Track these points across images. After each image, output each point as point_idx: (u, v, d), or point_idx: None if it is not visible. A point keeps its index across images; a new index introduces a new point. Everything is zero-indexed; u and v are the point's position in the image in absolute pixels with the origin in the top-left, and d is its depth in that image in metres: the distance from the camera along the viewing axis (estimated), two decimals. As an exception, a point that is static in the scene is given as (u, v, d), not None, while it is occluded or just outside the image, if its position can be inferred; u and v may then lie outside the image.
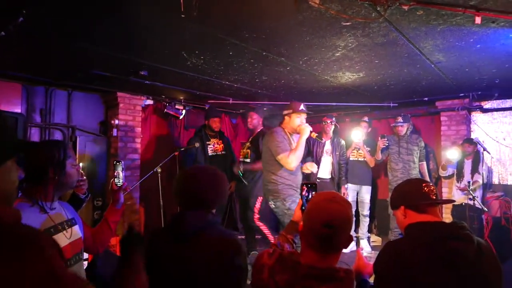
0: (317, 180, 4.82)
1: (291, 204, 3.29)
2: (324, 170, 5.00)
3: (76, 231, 1.72)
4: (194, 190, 1.55)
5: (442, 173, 4.73)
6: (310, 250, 1.24)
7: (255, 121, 4.57)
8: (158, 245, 1.52)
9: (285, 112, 3.45)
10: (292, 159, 3.22)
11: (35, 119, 4.26)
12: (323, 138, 4.90)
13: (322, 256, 1.23)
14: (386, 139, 4.83)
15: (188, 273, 1.40)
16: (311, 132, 3.29)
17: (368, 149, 5.14)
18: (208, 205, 1.56)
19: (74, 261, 1.66)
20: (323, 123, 5.07)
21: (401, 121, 4.82)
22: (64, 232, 1.63)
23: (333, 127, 5.06)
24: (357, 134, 4.92)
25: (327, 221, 1.19)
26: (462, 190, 4.35)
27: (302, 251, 1.27)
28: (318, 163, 4.88)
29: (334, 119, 5.07)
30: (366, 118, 5.33)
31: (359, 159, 5.20)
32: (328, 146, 5.04)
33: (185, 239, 1.44)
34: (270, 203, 3.42)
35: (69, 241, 1.64)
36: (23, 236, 0.78)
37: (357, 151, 5.20)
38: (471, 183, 3.95)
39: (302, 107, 3.39)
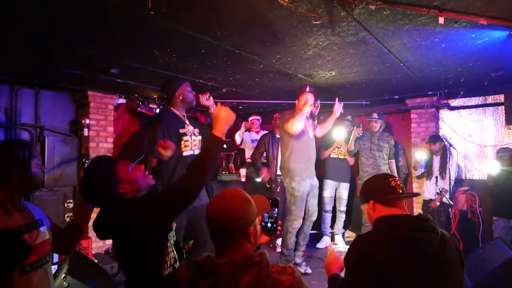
0: (278, 180, 4.91)
1: (296, 185, 3.80)
2: None
3: (44, 233, 1.68)
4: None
5: (415, 173, 4.92)
6: (218, 248, 1.28)
7: None
8: None
9: (296, 97, 4.01)
10: (292, 123, 3.74)
11: (0, 119, 4.08)
12: (276, 135, 5.06)
13: (228, 251, 1.25)
14: (361, 128, 4.92)
15: None
16: (311, 104, 3.84)
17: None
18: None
19: (41, 263, 1.62)
20: (276, 120, 5.14)
21: (376, 117, 4.94)
22: (29, 234, 1.59)
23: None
24: (339, 132, 4.97)
25: (213, 216, 1.26)
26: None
27: (215, 252, 1.29)
28: (276, 161, 4.99)
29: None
30: (349, 117, 5.39)
31: (339, 156, 5.31)
32: None
33: None
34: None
35: (36, 243, 1.60)
36: None
37: (338, 149, 5.30)
38: (438, 178, 4.09)
39: (307, 89, 3.93)
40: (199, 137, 3.01)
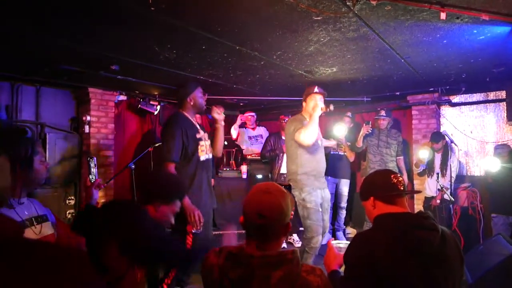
0: (282, 178, 4.89)
1: (307, 195, 3.34)
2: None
3: (47, 228, 1.69)
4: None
5: (416, 170, 4.92)
6: (253, 241, 1.29)
7: None
8: None
9: (303, 98, 3.51)
10: (304, 134, 3.23)
11: (1, 116, 4.08)
12: (282, 136, 5.02)
13: (265, 245, 1.27)
14: (370, 125, 4.91)
15: None
16: (322, 108, 3.29)
17: (349, 143, 5.24)
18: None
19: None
20: (281, 121, 5.23)
21: (384, 115, 4.94)
22: (33, 227, 1.61)
23: None
24: (340, 129, 4.93)
25: (259, 211, 1.25)
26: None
27: (246, 244, 1.31)
28: (280, 159, 5.01)
29: (290, 116, 5.12)
30: (349, 114, 5.36)
31: (340, 153, 5.31)
32: None
33: None
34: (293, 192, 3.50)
35: (38, 237, 1.61)
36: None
37: (338, 146, 5.28)
38: (439, 174, 4.08)
39: (316, 89, 3.42)
40: (209, 141, 3.01)
